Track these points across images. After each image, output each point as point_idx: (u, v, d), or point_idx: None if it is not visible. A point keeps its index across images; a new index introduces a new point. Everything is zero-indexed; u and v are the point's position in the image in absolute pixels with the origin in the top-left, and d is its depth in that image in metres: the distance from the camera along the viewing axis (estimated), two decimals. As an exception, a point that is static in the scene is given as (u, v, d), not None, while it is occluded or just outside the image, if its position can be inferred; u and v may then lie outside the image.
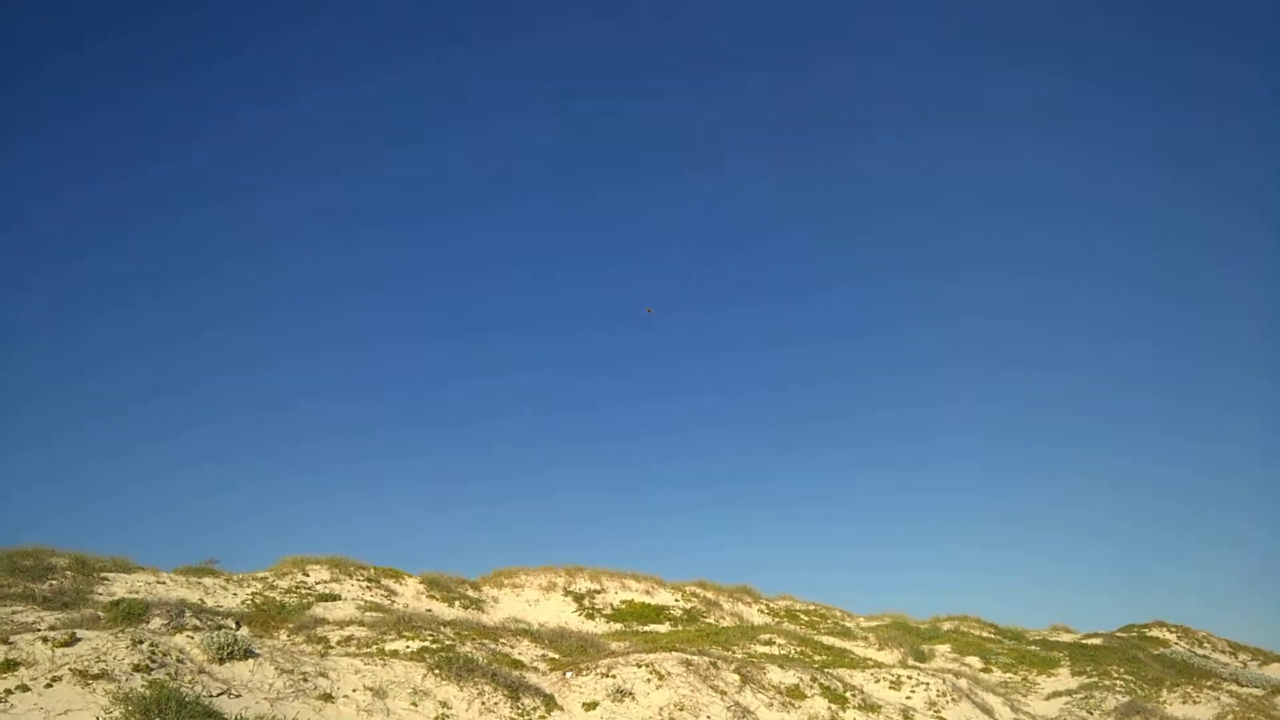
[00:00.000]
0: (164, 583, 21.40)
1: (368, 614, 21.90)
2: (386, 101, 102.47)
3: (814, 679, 18.94)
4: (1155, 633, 38.05)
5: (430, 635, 19.01)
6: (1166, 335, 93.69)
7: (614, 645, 21.72)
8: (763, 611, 32.44)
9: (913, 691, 20.36)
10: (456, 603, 26.42)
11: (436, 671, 15.19)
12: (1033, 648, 32.33)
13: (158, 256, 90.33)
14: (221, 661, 13.21)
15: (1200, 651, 35.39)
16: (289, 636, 18.29)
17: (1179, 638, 37.91)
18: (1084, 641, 35.61)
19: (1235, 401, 79.45)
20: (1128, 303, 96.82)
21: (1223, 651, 36.22)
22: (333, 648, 17.80)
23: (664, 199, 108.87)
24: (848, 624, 32.91)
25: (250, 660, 13.55)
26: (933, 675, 21.59)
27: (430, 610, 24.99)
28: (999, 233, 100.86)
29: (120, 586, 20.24)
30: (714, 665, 18.29)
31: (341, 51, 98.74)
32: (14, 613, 15.60)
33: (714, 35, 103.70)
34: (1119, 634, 37.75)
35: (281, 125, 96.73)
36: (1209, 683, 26.26)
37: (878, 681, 20.62)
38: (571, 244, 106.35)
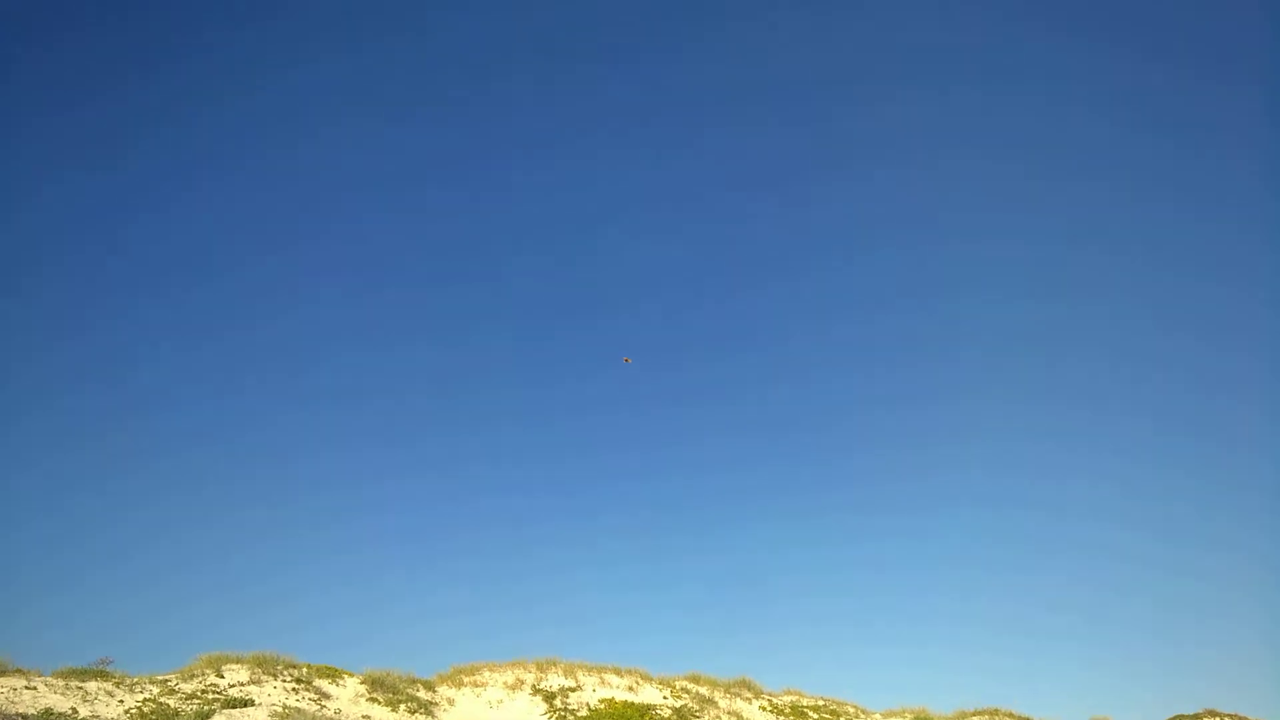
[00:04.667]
0: (34, 687, 17.58)
1: (285, 722, 18.07)
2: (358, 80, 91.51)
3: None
4: (1207, 723, 33.81)
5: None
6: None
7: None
8: (765, 709, 28.24)
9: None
10: (402, 706, 22.40)
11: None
12: (1076, 744, 28.05)
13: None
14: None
15: (1264, 743, 31.11)
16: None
17: (1234, 728, 33.74)
18: (1131, 735, 31.30)
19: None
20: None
21: (1288, 742, 31.95)
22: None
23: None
24: (862, 721, 28.68)
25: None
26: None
27: (368, 716, 21.03)
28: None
29: (-26, 694, 16.48)
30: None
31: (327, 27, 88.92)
32: None
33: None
34: (1167, 726, 33.39)
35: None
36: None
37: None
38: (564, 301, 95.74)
